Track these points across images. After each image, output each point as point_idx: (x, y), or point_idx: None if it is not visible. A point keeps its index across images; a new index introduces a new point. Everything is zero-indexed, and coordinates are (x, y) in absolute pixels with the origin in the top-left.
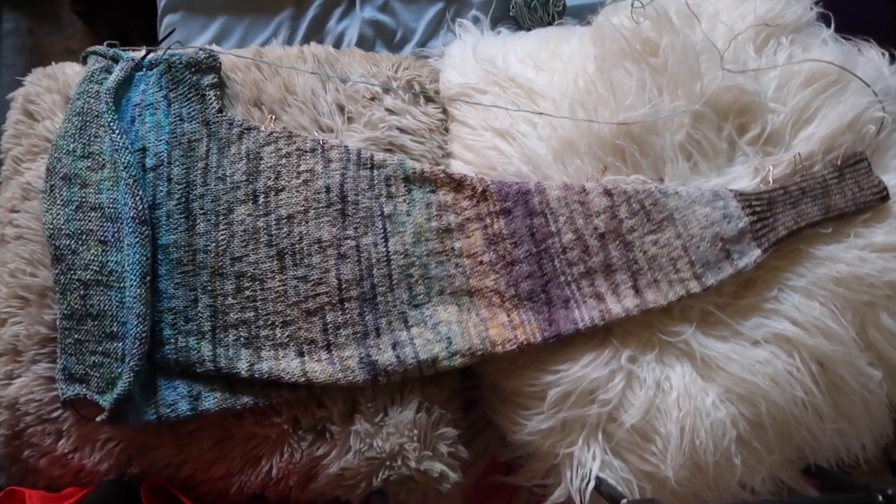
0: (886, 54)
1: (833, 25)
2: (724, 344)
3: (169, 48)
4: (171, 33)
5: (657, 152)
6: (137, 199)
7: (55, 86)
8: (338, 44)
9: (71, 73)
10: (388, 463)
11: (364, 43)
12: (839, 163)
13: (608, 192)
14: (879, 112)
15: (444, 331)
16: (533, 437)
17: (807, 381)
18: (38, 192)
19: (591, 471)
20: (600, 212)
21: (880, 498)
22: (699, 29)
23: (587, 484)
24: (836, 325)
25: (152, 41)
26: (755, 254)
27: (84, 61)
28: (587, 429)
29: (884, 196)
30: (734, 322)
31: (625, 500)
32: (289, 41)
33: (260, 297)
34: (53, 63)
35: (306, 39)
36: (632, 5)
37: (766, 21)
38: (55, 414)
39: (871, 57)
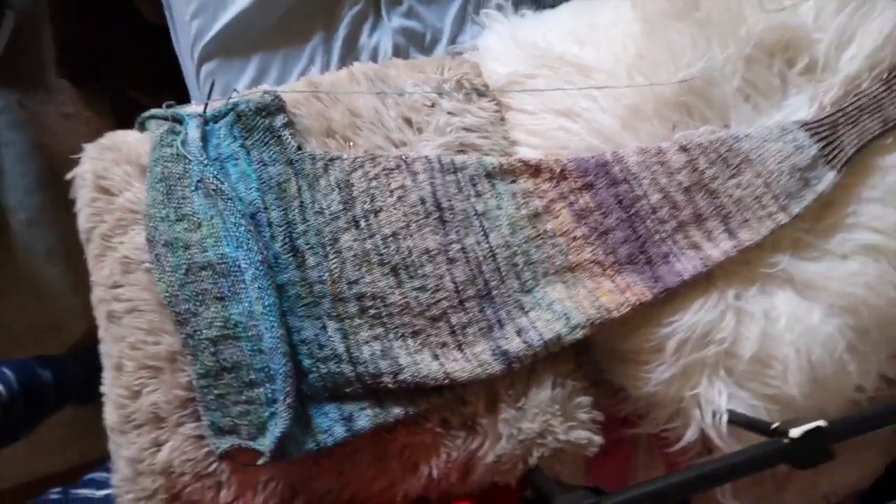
0: None
1: None
2: (817, 264)
3: (229, 98)
4: (212, 85)
5: (720, 101)
6: (260, 244)
7: (122, 157)
8: (374, 57)
9: (133, 140)
10: (538, 441)
11: (399, 52)
12: (885, 76)
13: (684, 148)
14: None
15: (559, 308)
16: (658, 387)
17: None
18: (138, 264)
19: (721, 405)
20: (681, 168)
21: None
22: None
23: (720, 418)
24: None
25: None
26: (831, 176)
27: (141, 127)
28: (708, 369)
29: None
30: (822, 242)
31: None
32: (326, 65)
33: (385, 313)
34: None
35: (342, 60)
36: None
37: None
38: (211, 468)
39: None
